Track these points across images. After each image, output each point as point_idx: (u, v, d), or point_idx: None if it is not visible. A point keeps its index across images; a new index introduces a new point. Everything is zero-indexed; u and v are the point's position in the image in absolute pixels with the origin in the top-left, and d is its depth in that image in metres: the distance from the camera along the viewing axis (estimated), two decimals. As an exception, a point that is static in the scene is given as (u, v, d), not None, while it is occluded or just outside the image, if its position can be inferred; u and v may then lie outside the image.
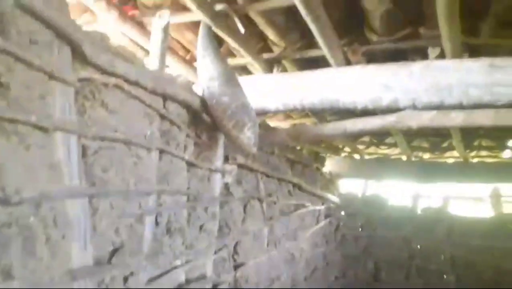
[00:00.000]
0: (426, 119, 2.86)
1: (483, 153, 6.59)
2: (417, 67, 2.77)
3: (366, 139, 6.78)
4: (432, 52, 2.94)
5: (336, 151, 7.40)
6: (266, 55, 3.64)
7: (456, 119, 2.87)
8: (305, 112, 4.69)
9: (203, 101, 2.70)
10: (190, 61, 3.99)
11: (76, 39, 1.71)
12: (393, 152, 7.22)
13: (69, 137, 1.72)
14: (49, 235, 1.58)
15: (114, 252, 2.01)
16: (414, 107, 2.76)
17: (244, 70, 4.30)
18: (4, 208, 1.41)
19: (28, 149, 1.51)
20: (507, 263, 5.96)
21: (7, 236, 1.43)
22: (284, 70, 3.77)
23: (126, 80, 1.99)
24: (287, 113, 5.48)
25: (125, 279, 2.09)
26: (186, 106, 2.61)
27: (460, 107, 2.73)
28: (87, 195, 1.81)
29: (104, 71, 1.88)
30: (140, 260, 2.18)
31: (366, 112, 3.19)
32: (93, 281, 1.84)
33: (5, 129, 1.43)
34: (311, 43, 3.46)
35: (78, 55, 1.76)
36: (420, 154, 7.07)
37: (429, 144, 6.54)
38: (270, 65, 3.64)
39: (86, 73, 1.80)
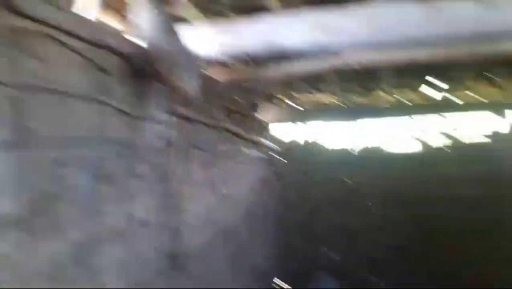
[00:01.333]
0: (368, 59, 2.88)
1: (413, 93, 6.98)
2: (355, 8, 2.75)
3: (300, 86, 6.88)
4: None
5: (270, 99, 7.46)
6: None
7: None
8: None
9: (142, 50, 2.62)
10: (120, 10, 3.79)
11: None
12: (327, 98, 7.44)
13: None
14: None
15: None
16: (354, 48, 2.79)
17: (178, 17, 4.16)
18: None
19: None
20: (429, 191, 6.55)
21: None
22: (220, 16, 3.67)
23: (63, 30, 1.88)
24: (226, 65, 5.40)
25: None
26: (125, 56, 2.51)
27: (398, 46, 2.80)
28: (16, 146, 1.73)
29: (37, 20, 1.76)
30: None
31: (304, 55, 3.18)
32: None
33: None
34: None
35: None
36: (353, 97, 7.34)
37: (360, 87, 6.79)
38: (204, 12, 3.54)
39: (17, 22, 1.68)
